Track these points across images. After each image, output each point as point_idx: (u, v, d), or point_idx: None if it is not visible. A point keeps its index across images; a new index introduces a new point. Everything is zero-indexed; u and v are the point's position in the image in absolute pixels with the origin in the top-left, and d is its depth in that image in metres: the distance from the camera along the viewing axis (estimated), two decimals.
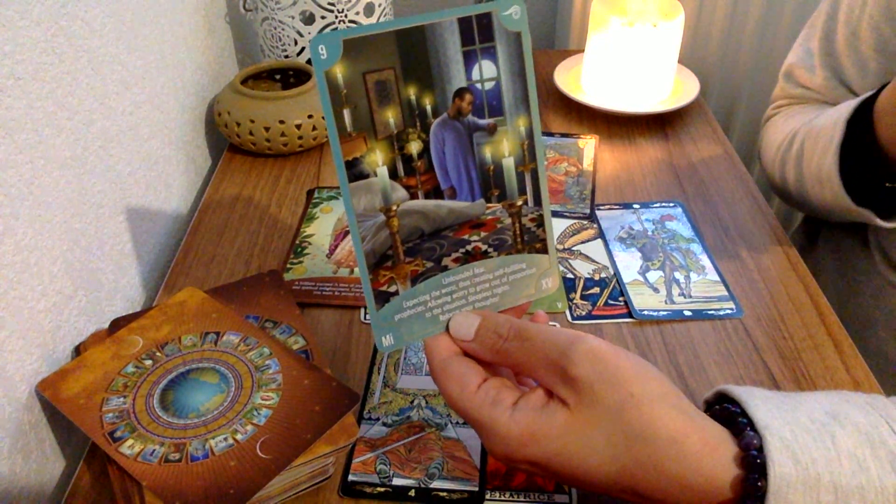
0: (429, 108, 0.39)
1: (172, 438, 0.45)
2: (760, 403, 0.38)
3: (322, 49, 0.36)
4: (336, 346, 0.58)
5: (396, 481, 0.47)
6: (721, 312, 0.61)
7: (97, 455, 0.49)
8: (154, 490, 0.42)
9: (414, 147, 0.39)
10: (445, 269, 0.41)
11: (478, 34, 0.39)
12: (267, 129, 0.78)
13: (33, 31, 0.49)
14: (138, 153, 0.66)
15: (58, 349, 0.52)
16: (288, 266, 0.65)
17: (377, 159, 0.39)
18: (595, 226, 0.71)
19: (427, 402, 0.52)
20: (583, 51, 0.93)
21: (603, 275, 0.65)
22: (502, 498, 0.46)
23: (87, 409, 0.47)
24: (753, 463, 0.35)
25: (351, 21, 0.87)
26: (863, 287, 0.70)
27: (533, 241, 0.43)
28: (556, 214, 0.72)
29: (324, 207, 0.73)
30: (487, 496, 0.46)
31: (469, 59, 0.39)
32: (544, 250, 0.43)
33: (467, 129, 0.40)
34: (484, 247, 0.42)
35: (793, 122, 0.72)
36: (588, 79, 0.90)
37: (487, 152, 0.41)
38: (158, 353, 0.51)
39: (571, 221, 0.71)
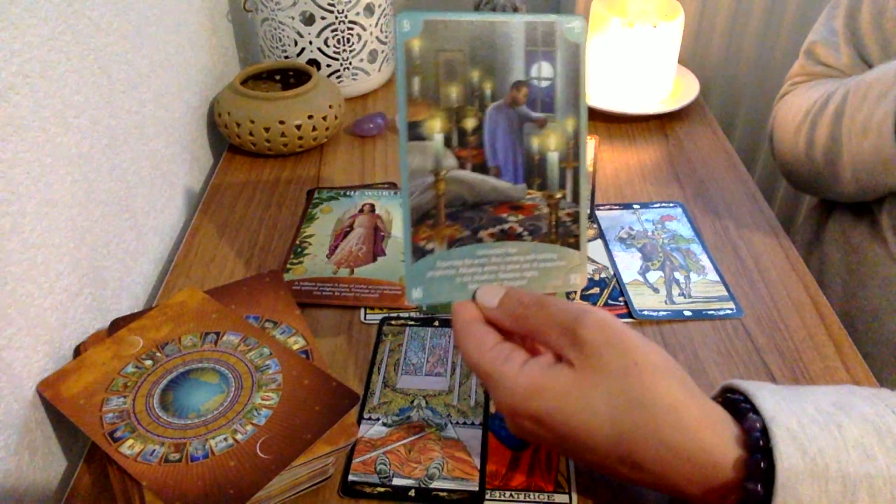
0: (488, 91, 0.43)
1: (172, 438, 0.45)
2: (767, 395, 0.38)
3: (406, 23, 0.41)
4: (336, 346, 0.58)
5: (396, 481, 0.47)
6: (721, 312, 0.61)
7: (97, 455, 0.49)
8: (154, 490, 0.42)
9: (470, 123, 0.43)
10: (481, 241, 0.44)
11: (542, 39, 0.43)
12: (267, 129, 0.78)
13: (41, 30, 0.49)
14: (143, 152, 0.66)
15: (64, 347, 0.52)
16: (288, 267, 0.65)
17: (436, 126, 0.42)
18: (595, 226, 0.71)
19: (427, 402, 0.53)
20: None
21: (603, 275, 0.65)
22: (502, 498, 0.46)
23: (87, 410, 0.47)
24: (756, 444, 0.35)
25: (351, 21, 0.87)
26: (871, 278, 0.70)
27: (567, 235, 0.45)
28: None
29: (324, 208, 0.73)
30: (487, 496, 0.46)
31: (531, 58, 0.43)
32: (576, 246, 0.45)
33: (519, 118, 0.43)
34: (519, 229, 0.44)
35: (822, 88, 0.71)
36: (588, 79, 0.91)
37: (535, 143, 0.44)
38: (158, 354, 0.51)
39: None
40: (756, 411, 0.37)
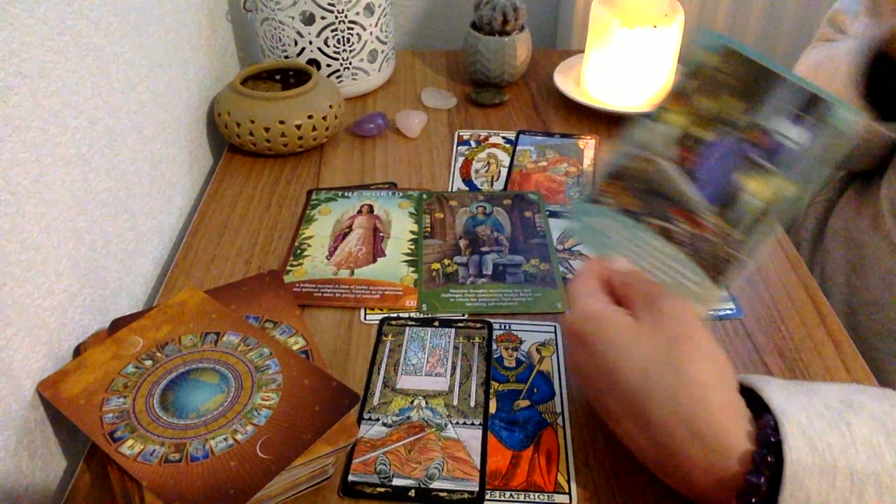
0: (734, 119, 0.46)
1: (172, 438, 0.45)
2: (777, 390, 0.38)
3: (707, 38, 0.47)
4: (336, 347, 0.58)
5: (396, 481, 0.47)
6: (721, 312, 0.61)
7: (97, 455, 0.49)
8: (154, 490, 0.42)
9: (707, 135, 0.47)
10: (646, 224, 0.48)
11: (813, 109, 0.44)
12: (267, 129, 0.78)
13: (40, 29, 0.49)
14: (143, 152, 0.66)
15: (63, 347, 0.52)
16: (288, 269, 0.65)
17: (678, 121, 0.48)
18: None
19: (427, 402, 0.53)
20: (583, 51, 0.93)
21: None
22: (502, 498, 0.46)
23: (88, 410, 0.47)
24: (767, 440, 0.36)
25: (351, 21, 0.87)
26: (872, 272, 0.70)
27: (716, 270, 0.46)
28: (556, 214, 0.72)
29: (322, 209, 0.73)
30: (487, 496, 0.46)
31: (793, 120, 0.45)
32: (718, 284, 0.46)
33: (743, 153, 0.46)
34: (684, 238, 0.47)
35: (816, 51, 0.74)
36: (588, 79, 0.90)
37: (746, 182, 0.45)
38: (158, 354, 0.51)
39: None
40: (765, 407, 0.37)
